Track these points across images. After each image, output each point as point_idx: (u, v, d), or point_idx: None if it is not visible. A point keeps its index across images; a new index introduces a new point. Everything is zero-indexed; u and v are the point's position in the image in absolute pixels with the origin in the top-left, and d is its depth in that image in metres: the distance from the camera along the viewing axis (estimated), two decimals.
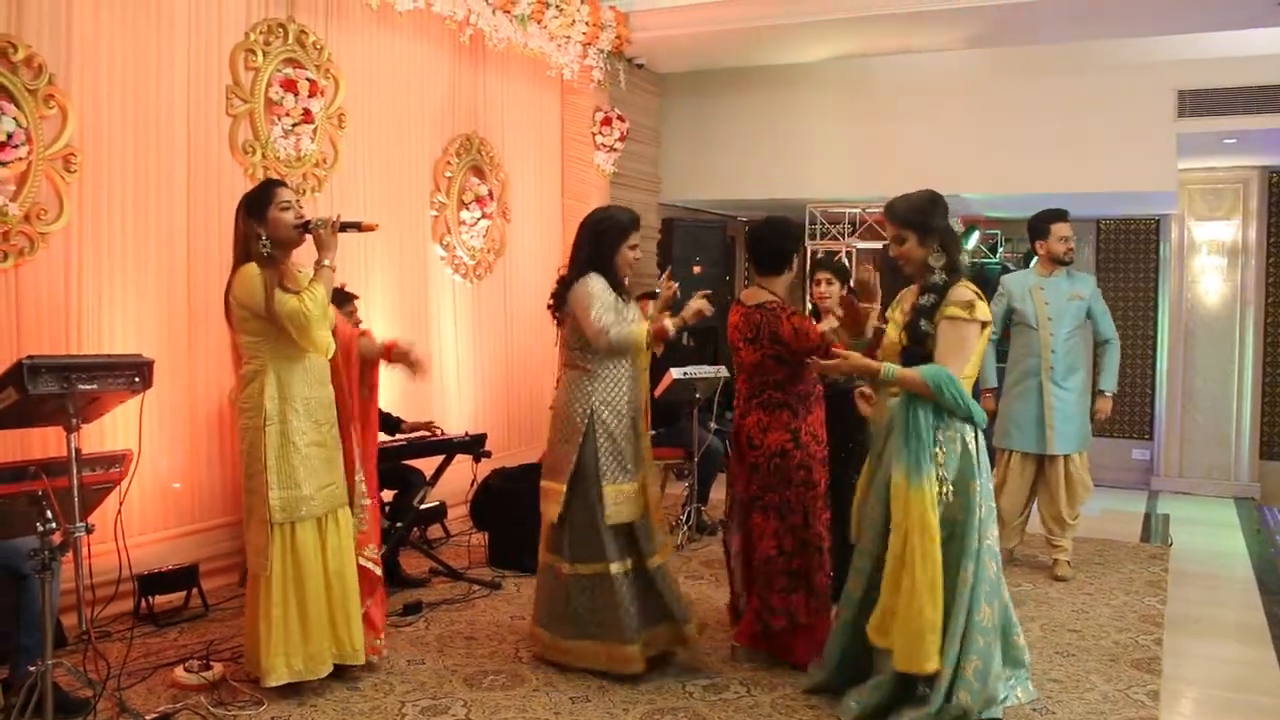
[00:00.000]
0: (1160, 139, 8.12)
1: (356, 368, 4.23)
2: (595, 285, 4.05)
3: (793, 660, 4.23)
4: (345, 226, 3.94)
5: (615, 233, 4.15)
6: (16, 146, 4.27)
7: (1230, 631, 5.08)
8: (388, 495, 5.56)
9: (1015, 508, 5.89)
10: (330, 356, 3.96)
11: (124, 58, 4.87)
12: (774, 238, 4.35)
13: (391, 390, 6.22)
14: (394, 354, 4.39)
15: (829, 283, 5.26)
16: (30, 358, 3.02)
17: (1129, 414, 10.71)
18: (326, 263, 3.86)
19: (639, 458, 4.17)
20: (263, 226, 3.81)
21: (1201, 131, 8.11)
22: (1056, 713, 3.86)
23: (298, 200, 3.97)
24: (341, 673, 4.01)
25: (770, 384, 4.26)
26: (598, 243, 4.14)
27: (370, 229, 4.06)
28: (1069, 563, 5.74)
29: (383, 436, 5.52)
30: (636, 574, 4.14)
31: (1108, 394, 5.80)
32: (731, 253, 10.66)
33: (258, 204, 3.85)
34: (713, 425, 6.67)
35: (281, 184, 3.97)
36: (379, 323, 6.34)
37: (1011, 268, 10.49)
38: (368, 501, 4.19)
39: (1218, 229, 9.78)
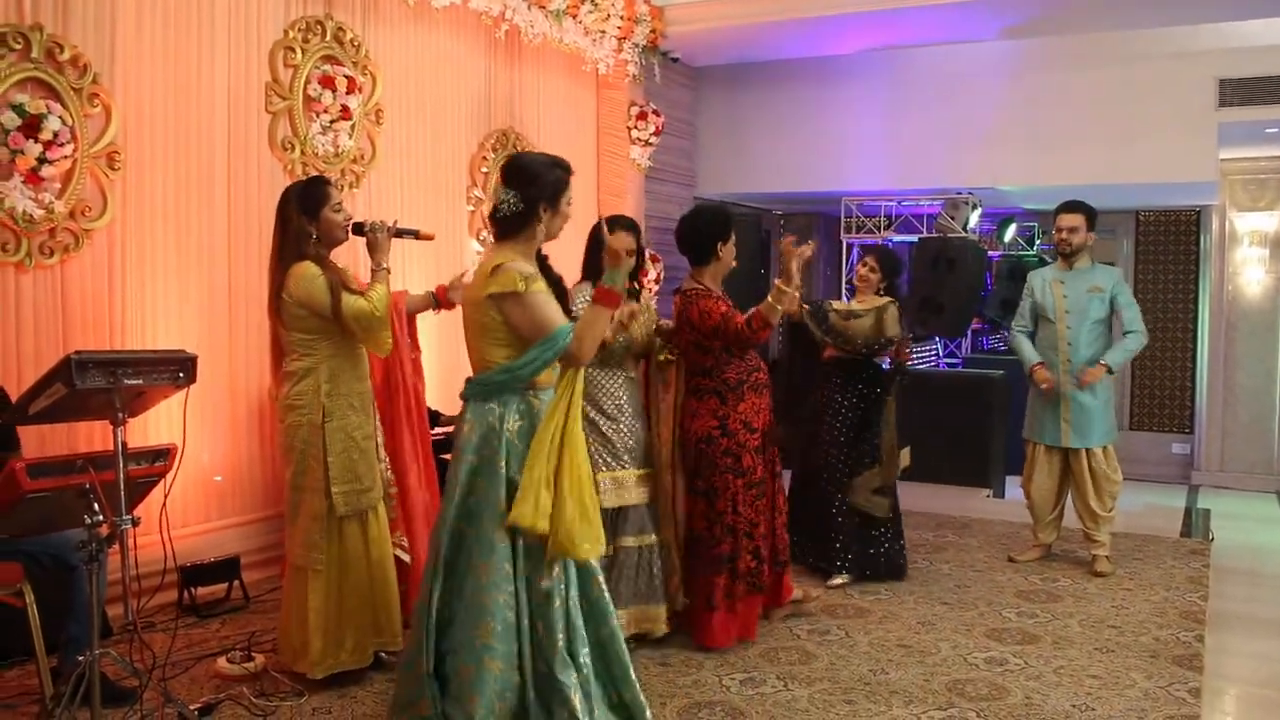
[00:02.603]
0: (1201, 129, 8.03)
1: (406, 331, 4.38)
2: (576, 301, 4.17)
3: (699, 641, 4.39)
4: (402, 233, 3.99)
5: (593, 232, 4.33)
6: (62, 145, 4.33)
7: (1273, 628, 5.01)
8: None
9: (1046, 502, 5.87)
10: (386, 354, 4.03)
11: (166, 56, 4.93)
12: (695, 230, 4.55)
13: (441, 380, 6.25)
14: (446, 295, 4.47)
15: (871, 269, 5.60)
16: (78, 353, 3.06)
17: (1168, 408, 10.62)
18: (385, 266, 3.89)
19: (632, 450, 4.37)
20: (314, 225, 3.82)
21: (1243, 121, 8.01)
22: (1097, 709, 3.84)
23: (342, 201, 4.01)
24: (381, 663, 4.05)
25: (698, 371, 4.50)
26: (589, 246, 4.36)
27: (428, 238, 4.12)
28: (1108, 558, 5.70)
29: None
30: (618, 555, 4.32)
31: (1104, 364, 5.63)
32: (767, 246, 10.63)
33: (311, 201, 3.84)
34: None
35: (331, 183, 3.99)
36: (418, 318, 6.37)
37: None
38: (394, 489, 4.30)
39: (1259, 220, 9.67)
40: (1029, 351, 5.82)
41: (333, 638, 3.85)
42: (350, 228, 3.92)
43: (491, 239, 3.33)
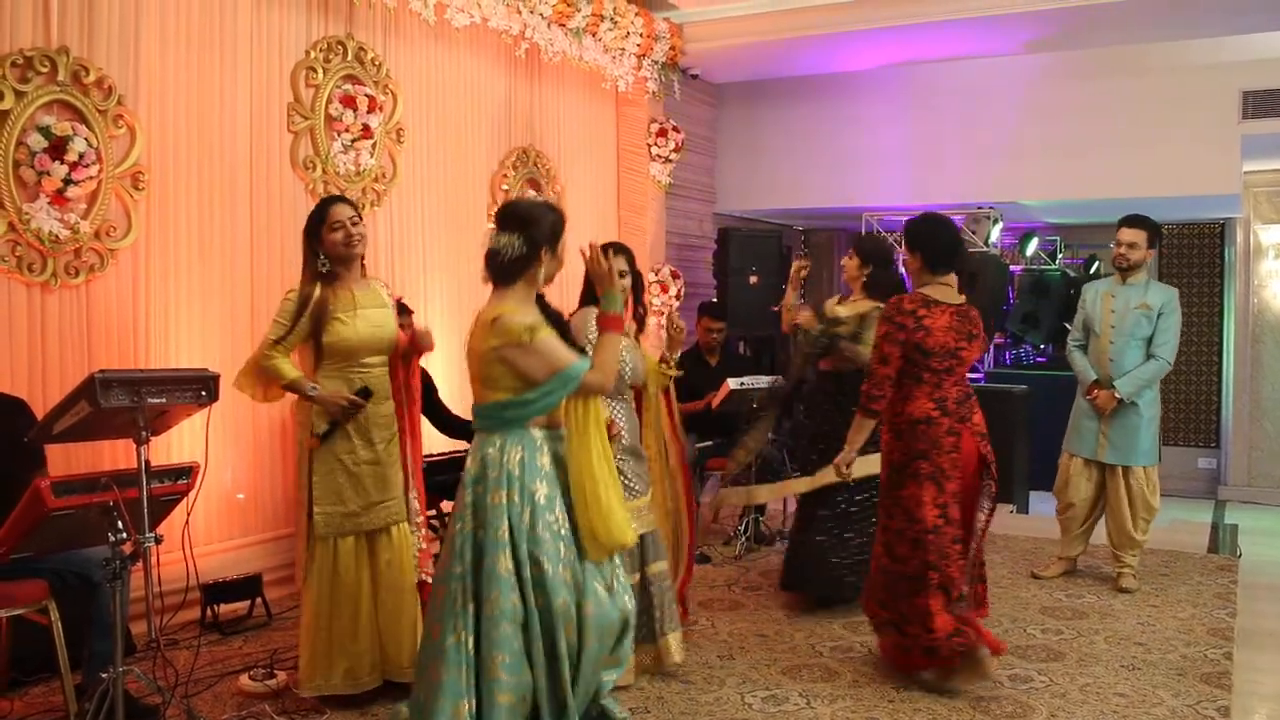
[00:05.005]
0: (1224, 141, 7.98)
1: (417, 375, 4.27)
2: (575, 325, 3.97)
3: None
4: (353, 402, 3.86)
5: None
6: (87, 166, 4.38)
7: None
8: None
9: (1082, 508, 5.78)
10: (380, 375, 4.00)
11: (189, 77, 4.99)
12: (948, 234, 4.22)
13: (458, 393, 6.27)
14: (414, 342, 4.22)
15: (849, 256, 5.26)
16: (102, 372, 3.09)
17: (1194, 422, 10.51)
18: (312, 394, 3.80)
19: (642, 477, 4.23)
20: (319, 246, 3.89)
21: (1267, 133, 7.95)
22: None
23: (357, 213, 3.98)
24: (406, 688, 4.02)
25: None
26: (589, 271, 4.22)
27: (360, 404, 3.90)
28: (1134, 574, 5.63)
29: (457, 444, 5.57)
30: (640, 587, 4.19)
31: (1115, 393, 5.52)
32: (787, 262, 10.61)
33: (313, 225, 3.93)
34: (770, 436, 6.63)
35: (335, 202, 3.97)
36: (438, 335, 6.38)
37: (1072, 274, 10.37)
38: (421, 519, 4.19)
39: None
40: (1086, 369, 5.70)
41: (322, 660, 3.85)
42: (360, 393, 3.86)
43: (491, 286, 3.33)
